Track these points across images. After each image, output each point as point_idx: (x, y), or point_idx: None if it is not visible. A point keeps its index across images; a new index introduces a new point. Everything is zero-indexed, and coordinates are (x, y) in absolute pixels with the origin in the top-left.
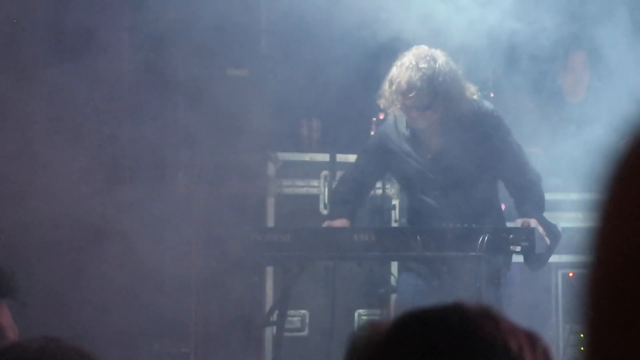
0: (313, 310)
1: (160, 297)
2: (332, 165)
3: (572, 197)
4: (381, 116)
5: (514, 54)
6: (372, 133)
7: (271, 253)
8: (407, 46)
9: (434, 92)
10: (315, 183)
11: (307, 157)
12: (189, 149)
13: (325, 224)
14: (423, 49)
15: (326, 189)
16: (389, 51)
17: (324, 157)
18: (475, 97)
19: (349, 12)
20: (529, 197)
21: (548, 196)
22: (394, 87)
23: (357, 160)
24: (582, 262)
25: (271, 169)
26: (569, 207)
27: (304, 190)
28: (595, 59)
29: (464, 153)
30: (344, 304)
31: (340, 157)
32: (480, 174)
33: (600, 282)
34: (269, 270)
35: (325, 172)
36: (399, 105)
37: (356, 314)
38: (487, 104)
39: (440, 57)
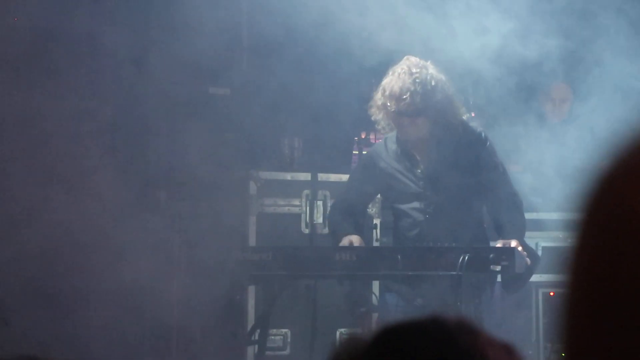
0: (294, 329)
1: (142, 315)
2: (314, 184)
3: (553, 216)
4: (363, 135)
5: (494, 74)
6: (362, 152)
7: (253, 272)
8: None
9: (426, 97)
10: (296, 202)
11: (289, 176)
12: (171, 167)
13: (344, 241)
14: (414, 58)
15: (307, 208)
16: (372, 71)
17: (306, 176)
18: (464, 117)
19: (332, 33)
20: (510, 220)
21: (529, 215)
22: (386, 93)
23: (349, 182)
24: (560, 281)
25: (253, 187)
26: (550, 227)
27: (285, 209)
28: (578, 81)
29: (452, 169)
30: (325, 323)
31: (321, 176)
32: (466, 191)
33: (578, 301)
34: (251, 289)
35: (306, 191)
36: (392, 110)
37: (337, 333)
38: (476, 125)
39: (431, 67)
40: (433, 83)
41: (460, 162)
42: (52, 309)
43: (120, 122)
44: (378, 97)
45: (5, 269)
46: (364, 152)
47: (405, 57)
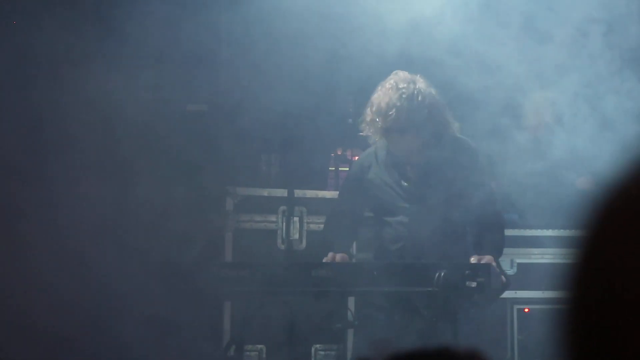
0: (270, 345)
1: (118, 333)
2: (290, 200)
3: (528, 233)
4: (339, 152)
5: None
6: (339, 168)
7: (229, 288)
8: (370, 85)
9: (412, 112)
10: (273, 218)
11: (266, 192)
12: (148, 183)
13: (328, 257)
14: (403, 73)
15: (284, 224)
16: (351, 88)
17: (282, 192)
18: (456, 132)
19: (310, 49)
20: (490, 239)
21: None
22: (374, 109)
23: (339, 194)
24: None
25: (229, 203)
26: (525, 243)
27: (262, 225)
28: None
29: (440, 186)
30: (301, 339)
31: (298, 193)
32: (453, 207)
33: (580, 317)
34: (227, 304)
35: (283, 207)
36: (380, 126)
37: (313, 349)
38: (469, 141)
39: (421, 81)
40: (420, 98)
41: (449, 179)
42: (29, 323)
43: (95, 141)
44: (367, 113)
45: None
46: (354, 160)
47: (393, 72)
